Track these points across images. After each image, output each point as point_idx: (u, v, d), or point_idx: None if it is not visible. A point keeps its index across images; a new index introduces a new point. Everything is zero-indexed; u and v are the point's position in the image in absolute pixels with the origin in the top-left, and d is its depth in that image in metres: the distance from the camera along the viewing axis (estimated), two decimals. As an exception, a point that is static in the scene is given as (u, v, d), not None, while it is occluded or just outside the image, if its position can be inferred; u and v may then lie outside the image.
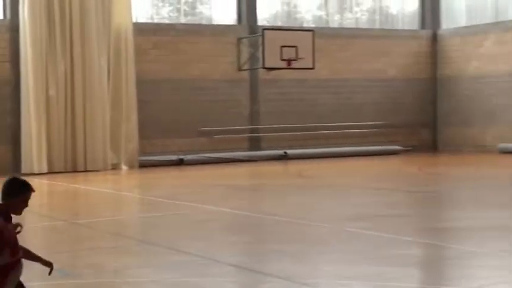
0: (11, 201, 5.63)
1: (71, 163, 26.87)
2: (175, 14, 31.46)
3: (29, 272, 6.44)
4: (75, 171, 26.59)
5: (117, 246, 12.24)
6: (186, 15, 31.56)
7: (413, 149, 33.49)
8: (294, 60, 29.51)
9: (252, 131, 31.93)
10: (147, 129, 28.88)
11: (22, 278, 5.72)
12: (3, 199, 5.64)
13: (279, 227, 13.69)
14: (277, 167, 28.29)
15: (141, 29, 29.20)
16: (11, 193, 5.63)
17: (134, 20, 28.85)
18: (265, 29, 30.03)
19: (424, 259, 10.54)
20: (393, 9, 36.69)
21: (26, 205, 5.69)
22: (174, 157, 28.83)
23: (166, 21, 30.91)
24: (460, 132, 35.36)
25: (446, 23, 36.77)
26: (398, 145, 34.10)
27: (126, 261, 10.75)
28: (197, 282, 9.22)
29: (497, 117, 34.14)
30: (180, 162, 28.55)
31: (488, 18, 34.84)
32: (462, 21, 36.04)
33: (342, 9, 35.41)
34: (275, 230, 13.54)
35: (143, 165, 27.69)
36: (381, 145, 33.68)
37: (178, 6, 31.49)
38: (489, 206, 15.74)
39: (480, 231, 12.67)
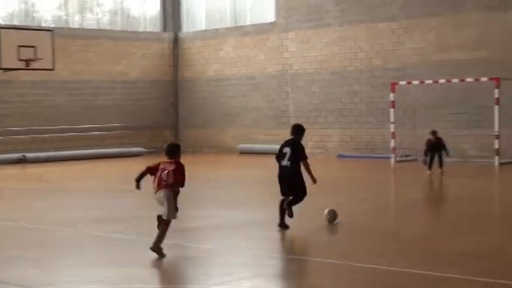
0: None
1: None
2: None
3: None
4: None
5: None
6: None
7: (157, 150, 33.63)
8: (32, 60, 28.56)
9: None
10: None
11: None
12: None
13: (17, 233, 13.09)
14: (15, 170, 27.23)
15: None
16: None
17: None
18: (0, 27, 28.83)
19: (169, 259, 10.50)
20: (135, 11, 36.64)
21: None
22: None
23: None
24: (201, 133, 36.07)
25: (187, 26, 37.32)
26: (142, 147, 34.12)
27: None
28: None
29: (236, 119, 35.19)
30: None
31: (227, 22, 35.79)
32: (202, 25, 36.75)
33: (82, 10, 34.81)
34: (13, 235, 12.91)
35: None
36: (125, 147, 33.52)
37: None
38: (228, 204, 16.07)
39: (221, 230, 12.89)
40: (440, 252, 10.35)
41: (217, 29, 36.02)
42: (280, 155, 12.83)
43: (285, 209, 12.47)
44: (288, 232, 12.44)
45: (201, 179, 21.62)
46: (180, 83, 37.37)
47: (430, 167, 22.15)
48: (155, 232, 10.42)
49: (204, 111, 36.36)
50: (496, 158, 25.14)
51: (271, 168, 27.18)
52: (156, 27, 37.19)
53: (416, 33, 29.32)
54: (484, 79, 25.80)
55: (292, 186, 12.56)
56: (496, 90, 25.11)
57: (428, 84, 27.57)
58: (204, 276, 9.42)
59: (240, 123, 35.10)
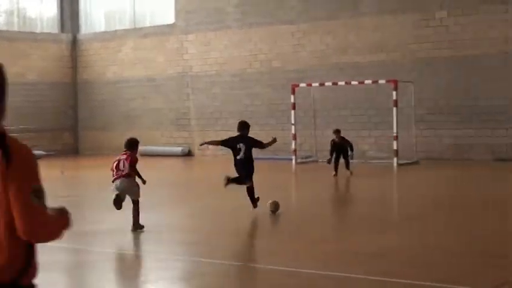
0: None
1: None
2: None
3: None
4: None
5: None
6: None
7: (56, 153, 33.08)
8: None
9: None
10: None
11: None
12: None
13: None
14: None
15: None
16: None
17: None
18: None
19: (68, 264, 10.35)
20: (32, 12, 35.93)
21: None
22: None
23: None
24: (101, 135, 35.66)
25: (86, 28, 36.84)
26: (42, 149, 33.46)
27: None
28: None
29: (136, 121, 34.94)
30: None
31: (126, 24, 35.49)
32: (101, 27, 36.34)
33: (-25, 10, 33.95)
34: None
35: None
36: (22, 150, 32.84)
37: None
38: (129, 208, 15.91)
39: (123, 233, 12.78)
40: (342, 253, 10.52)
41: (116, 31, 35.69)
42: (236, 150, 14.65)
43: (248, 195, 14.61)
44: (192, 235, 12.46)
45: (102, 182, 21.33)
46: (79, 85, 36.86)
47: (335, 168, 21.77)
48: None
49: (103, 114, 35.97)
50: (395, 159, 25.70)
51: (172, 170, 27.16)
52: (54, 29, 36.57)
53: (315, 36, 29.76)
54: (382, 81, 26.37)
55: (249, 175, 14.58)
56: (394, 93, 25.69)
57: (328, 86, 28.00)
58: (107, 281, 9.33)
59: (140, 126, 34.86)
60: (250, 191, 14.64)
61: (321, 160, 27.14)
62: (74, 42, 36.82)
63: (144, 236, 12.37)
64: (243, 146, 14.59)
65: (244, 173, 14.56)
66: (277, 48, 30.79)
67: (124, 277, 9.41)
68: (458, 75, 26.93)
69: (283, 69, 30.63)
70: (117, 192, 12.35)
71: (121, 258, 10.73)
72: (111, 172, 12.49)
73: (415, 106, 26.65)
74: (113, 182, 12.43)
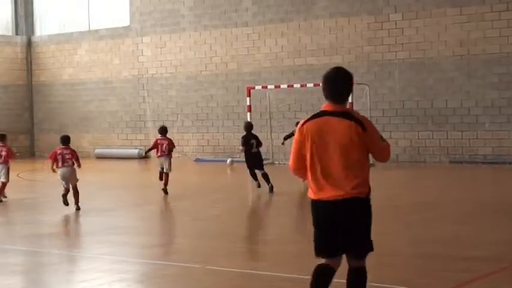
0: None
1: None
2: None
3: None
4: None
5: None
6: None
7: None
8: None
9: None
10: None
11: None
12: None
13: None
14: None
15: None
16: None
17: None
18: None
19: (26, 267, 10.29)
20: (-15, 14, 35.57)
21: None
22: None
23: None
24: (57, 137, 35.12)
25: (40, 30, 36.53)
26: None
27: None
28: None
29: (93, 123, 34.76)
30: None
31: (81, 26, 35.27)
32: (56, 29, 36.07)
33: None
34: None
35: None
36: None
37: None
38: (86, 210, 15.86)
39: (79, 236, 12.74)
40: (299, 254, 10.60)
41: (71, 33, 35.45)
42: (249, 146, 18.25)
43: (264, 179, 18.22)
44: (148, 238, 12.45)
45: (57, 184, 21.20)
46: (34, 87, 36.54)
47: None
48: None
49: (60, 116, 35.71)
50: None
51: (127, 173, 27.06)
52: (8, 31, 36.20)
53: (269, 39, 29.88)
54: (336, 83, 26.49)
55: (260, 164, 18.41)
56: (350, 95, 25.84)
57: (284, 89, 28.14)
58: (62, 283, 9.29)
59: (96, 128, 34.68)
60: (266, 176, 18.17)
61: (277, 162, 27.23)
62: (29, 45, 36.49)
63: (99, 239, 12.33)
64: (254, 142, 18.30)
65: (258, 162, 18.24)
66: (232, 50, 30.86)
67: (80, 279, 9.38)
68: (413, 77, 27.24)
69: (238, 71, 30.70)
70: (65, 186, 15.47)
71: (77, 260, 10.68)
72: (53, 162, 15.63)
73: (370, 108, 26.88)
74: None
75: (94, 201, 17.44)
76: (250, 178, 18.87)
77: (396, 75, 27.48)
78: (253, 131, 18.74)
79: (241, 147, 18.66)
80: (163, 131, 18.69)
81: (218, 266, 9.78)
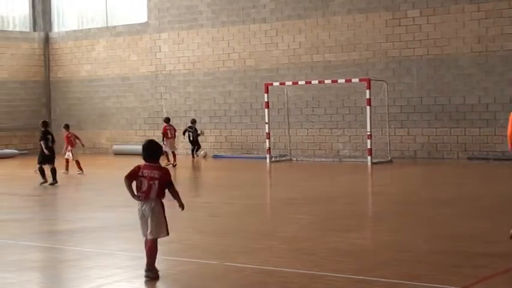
0: None
1: None
2: None
3: None
4: None
5: None
6: None
7: (30, 152, 32.87)
8: None
9: None
10: None
11: None
12: None
13: None
14: None
15: None
16: None
17: None
18: None
19: (44, 263, 10.32)
20: (3, 10, 35.69)
21: None
22: None
23: None
24: (76, 134, 35.39)
25: (58, 26, 36.65)
26: (15, 148, 33.31)
27: None
28: None
29: (111, 120, 34.85)
30: None
31: (99, 22, 35.36)
32: (74, 25, 36.17)
33: None
34: None
35: None
36: (-5, 150, 32.69)
37: None
38: (104, 207, 15.91)
39: (96, 232, 12.77)
40: (315, 251, 10.58)
41: (89, 29, 35.56)
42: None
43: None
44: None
45: (75, 180, 21.29)
46: (52, 84, 36.67)
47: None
48: None
49: (78, 112, 35.83)
50: (369, 157, 25.82)
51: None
52: (26, 27, 36.34)
53: (287, 35, 29.83)
54: (355, 80, 26.50)
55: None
56: (367, 91, 25.82)
57: (302, 85, 28.09)
58: (79, 279, 9.32)
59: (114, 124, 34.76)
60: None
61: (295, 159, 27.22)
62: (46, 41, 36.62)
63: (117, 235, 12.36)
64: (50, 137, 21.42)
65: None
66: (250, 47, 30.84)
67: (98, 275, 9.40)
68: (431, 74, 27.13)
69: (256, 67, 30.68)
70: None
71: (95, 257, 10.71)
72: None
73: (388, 105, 26.81)
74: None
75: (111, 197, 17.49)
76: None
77: (414, 72, 27.38)
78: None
79: None
80: (168, 120, 27.60)
81: (236, 262, 9.78)
